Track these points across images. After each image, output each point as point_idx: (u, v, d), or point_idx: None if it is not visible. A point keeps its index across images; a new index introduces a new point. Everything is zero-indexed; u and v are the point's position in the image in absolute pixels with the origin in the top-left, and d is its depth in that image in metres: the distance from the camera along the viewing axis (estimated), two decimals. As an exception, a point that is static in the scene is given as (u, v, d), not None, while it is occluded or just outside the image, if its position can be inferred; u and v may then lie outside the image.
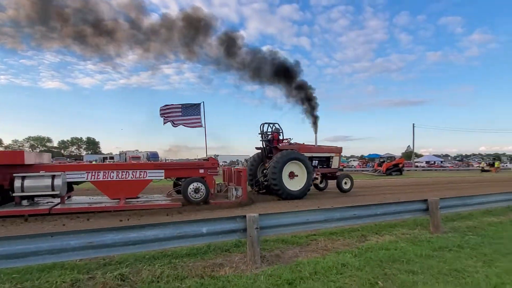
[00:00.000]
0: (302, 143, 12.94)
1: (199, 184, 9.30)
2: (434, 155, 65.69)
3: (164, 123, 11.57)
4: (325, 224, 4.93)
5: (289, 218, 4.61)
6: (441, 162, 56.20)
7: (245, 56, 14.86)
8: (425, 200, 6.11)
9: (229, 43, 14.67)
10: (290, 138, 12.72)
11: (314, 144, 13.85)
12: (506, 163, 55.94)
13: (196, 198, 9.20)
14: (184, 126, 11.67)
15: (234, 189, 9.94)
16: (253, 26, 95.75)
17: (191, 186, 9.26)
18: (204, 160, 10.38)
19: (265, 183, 11.70)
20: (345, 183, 13.25)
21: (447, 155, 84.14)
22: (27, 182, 7.98)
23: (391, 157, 32.80)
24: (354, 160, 52.82)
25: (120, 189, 8.99)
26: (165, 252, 4.61)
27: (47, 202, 8.89)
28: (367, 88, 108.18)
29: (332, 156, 13.61)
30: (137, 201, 9.32)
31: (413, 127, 47.87)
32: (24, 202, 8.29)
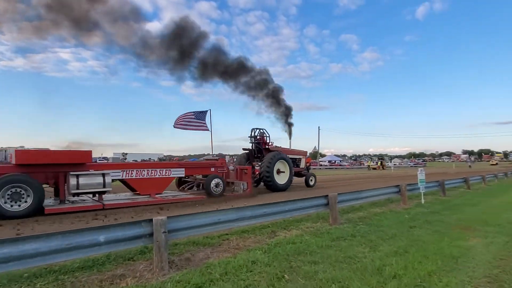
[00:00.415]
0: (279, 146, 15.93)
1: (219, 180, 11.53)
2: (335, 155, 73.74)
3: (176, 127, 13.94)
4: (237, 222, 4.98)
5: (200, 219, 4.53)
6: (340, 161, 62.43)
7: (167, 48, 15.09)
8: (326, 196, 6.77)
9: (140, 32, 15.13)
10: (272, 142, 15.69)
11: (288, 147, 16.99)
12: (388, 162, 67.05)
13: (216, 192, 11.35)
14: (194, 130, 14.01)
15: (241, 184, 12.43)
16: (169, 17, 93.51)
17: (213, 182, 11.41)
18: (214, 160, 12.99)
19: (255, 178, 14.44)
20: (311, 180, 16.45)
21: (344, 155, 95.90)
22: (82, 180, 8.62)
23: None
24: None
25: (151, 185, 10.31)
26: (51, 267, 4.05)
27: (84, 200, 9.41)
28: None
29: (301, 158, 16.77)
30: (167, 196, 10.60)
31: (319, 130, 53.07)
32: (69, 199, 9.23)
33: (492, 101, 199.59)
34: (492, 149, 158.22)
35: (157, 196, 10.32)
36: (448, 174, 31.36)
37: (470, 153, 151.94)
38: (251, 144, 15.75)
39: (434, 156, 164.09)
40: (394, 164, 64.30)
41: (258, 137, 15.68)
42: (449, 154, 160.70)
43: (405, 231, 6.01)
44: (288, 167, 14.81)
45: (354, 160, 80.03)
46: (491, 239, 5.47)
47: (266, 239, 5.43)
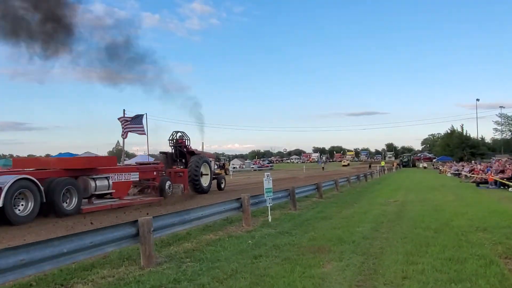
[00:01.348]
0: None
1: (170, 182, 18.61)
2: (150, 154, 74.55)
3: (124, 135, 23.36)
4: None
5: None
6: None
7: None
8: (135, 222, 6.36)
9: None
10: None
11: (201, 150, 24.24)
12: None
13: (169, 193, 18.09)
14: (132, 133, 22.85)
15: (179, 186, 19.49)
16: None
17: (166, 184, 18.38)
18: (156, 163, 19.98)
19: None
20: (222, 183, 23.94)
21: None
22: (98, 183, 15.44)
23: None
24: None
25: (124, 188, 17.03)
26: None
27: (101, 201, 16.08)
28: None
29: (212, 161, 23.80)
30: (135, 198, 17.56)
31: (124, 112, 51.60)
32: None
33: (345, 89, 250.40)
34: (345, 146, 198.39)
35: (125, 198, 16.68)
36: (298, 180, 36.94)
37: (322, 151, 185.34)
38: (170, 147, 22.52)
39: (283, 156, 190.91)
40: (234, 168, 70.24)
41: (179, 140, 22.44)
42: (299, 153, 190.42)
43: (248, 264, 6.27)
44: (209, 170, 22.48)
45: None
46: (347, 261, 6.38)
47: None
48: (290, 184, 23.66)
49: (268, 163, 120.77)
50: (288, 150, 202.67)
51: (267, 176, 11.23)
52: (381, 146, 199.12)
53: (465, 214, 11.50)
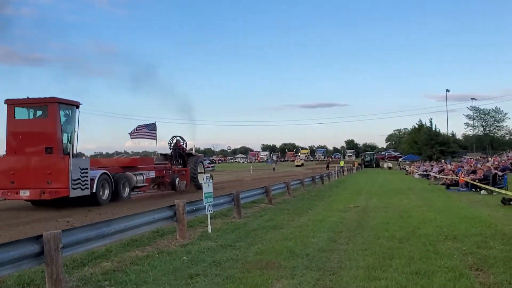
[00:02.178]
0: None
1: (179, 179, 27.49)
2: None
3: (133, 137, 30.41)
4: None
5: None
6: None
7: None
8: (39, 237, 6.06)
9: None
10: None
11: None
12: None
13: (178, 188, 26.91)
14: (145, 138, 30.51)
15: (183, 182, 27.65)
16: None
17: (177, 180, 27.06)
18: (165, 163, 28.60)
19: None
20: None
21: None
22: (139, 177, 23.88)
23: None
24: None
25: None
26: None
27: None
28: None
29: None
30: (153, 191, 26.51)
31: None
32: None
33: (298, 77, 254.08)
34: (298, 143, 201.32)
35: (148, 191, 25.79)
36: (245, 182, 37.11)
37: (272, 149, 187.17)
38: (170, 150, 30.96)
39: (226, 155, 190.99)
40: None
41: (177, 144, 31.17)
42: (245, 151, 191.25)
43: (182, 286, 6.14)
44: (203, 169, 31.73)
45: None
46: (300, 279, 6.40)
47: None
48: (234, 187, 23.72)
49: (209, 163, 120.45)
50: (232, 148, 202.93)
51: (207, 179, 11.16)
52: (340, 143, 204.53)
53: (433, 221, 12.06)
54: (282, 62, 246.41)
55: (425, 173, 42.40)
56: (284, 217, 13.33)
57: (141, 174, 23.86)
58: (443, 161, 50.85)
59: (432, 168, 41.29)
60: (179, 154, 30.91)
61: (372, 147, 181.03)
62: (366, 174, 56.82)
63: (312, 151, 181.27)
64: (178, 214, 9.76)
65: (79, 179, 18.43)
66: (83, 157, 23.67)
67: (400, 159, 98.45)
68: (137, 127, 30.51)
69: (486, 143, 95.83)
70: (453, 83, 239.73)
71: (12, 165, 18.65)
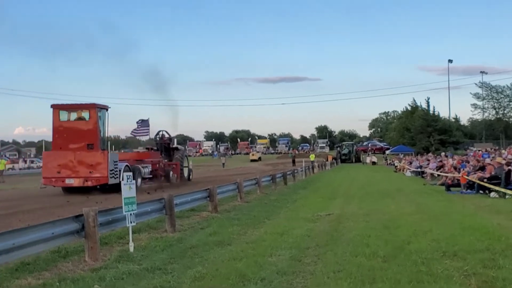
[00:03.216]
0: None
1: (172, 172, 39.96)
2: None
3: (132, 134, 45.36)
4: None
5: None
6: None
7: None
8: None
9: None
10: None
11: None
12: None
13: (171, 180, 39.15)
14: (140, 135, 45.93)
15: (173, 175, 39.62)
16: None
17: (170, 173, 39.51)
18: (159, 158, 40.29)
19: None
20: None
21: None
22: (146, 170, 35.41)
23: None
24: None
25: None
26: None
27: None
28: None
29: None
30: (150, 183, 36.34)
31: None
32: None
33: (253, 42, 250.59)
34: (254, 130, 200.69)
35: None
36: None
37: (219, 139, 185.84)
38: (156, 144, 42.05)
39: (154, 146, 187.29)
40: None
41: (163, 138, 42.49)
42: (182, 141, 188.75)
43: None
44: (187, 162, 44.57)
45: None
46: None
47: None
48: (166, 191, 23.45)
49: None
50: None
51: (127, 179, 11.00)
52: (309, 131, 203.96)
53: (428, 232, 12.25)
54: (230, 20, 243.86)
55: (419, 170, 43.23)
56: (233, 230, 13.30)
57: (147, 166, 34.61)
58: (443, 154, 51.68)
59: (428, 164, 42.02)
60: (165, 148, 41.63)
61: (351, 136, 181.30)
62: (343, 172, 57.79)
63: (273, 141, 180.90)
64: (87, 227, 9.60)
65: (113, 169, 28.58)
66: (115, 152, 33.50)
67: (387, 152, 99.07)
68: (137, 122, 41.43)
69: (498, 130, 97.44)
70: (458, 52, 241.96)
71: (58, 159, 28.63)
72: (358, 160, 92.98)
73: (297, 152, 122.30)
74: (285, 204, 20.50)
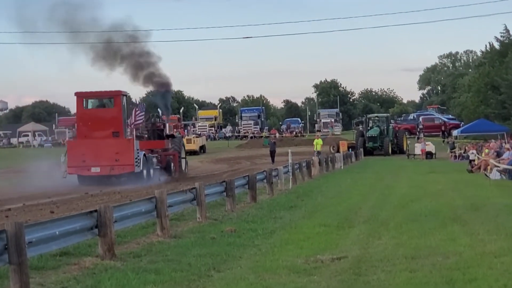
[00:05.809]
0: None
1: (172, 163, 41.37)
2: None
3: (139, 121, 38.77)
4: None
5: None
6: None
7: None
8: None
9: None
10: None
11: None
12: None
13: (174, 173, 40.74)
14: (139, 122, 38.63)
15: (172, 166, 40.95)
16: None
17: (171, 165, 40.24)
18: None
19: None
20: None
21: None
22: (154, 159, 38.64)
23: None
24: None
25: None
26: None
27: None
28: None
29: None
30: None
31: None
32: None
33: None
34: (192, 93, 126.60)
35: None
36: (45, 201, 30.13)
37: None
38: (147, 131, 40.20)
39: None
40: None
41: (156, 124, 41.31)
42: (44, 117, 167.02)
43: None
44: (184, 152, 44.16)
45: None
46: None
47: None
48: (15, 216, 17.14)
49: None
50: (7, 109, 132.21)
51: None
52: (304, 93, 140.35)
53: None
54: None
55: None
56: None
57: (155, 157, 35.64)
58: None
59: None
60: (158, 135, 39.53)
61: (385, 102, 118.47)
62: (367, 173, 39.52)
63: (229, 113, 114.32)
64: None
65: (137, 158, 31.22)
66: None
67: (454, 133, 65.29)
68: (134, 110, 36.93)
69: None
70: None
71: (83, 147, 31.55)
72: (398, 149, 61.87)
73: (278, 135, 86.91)
74: (252, 239, 12.60)
